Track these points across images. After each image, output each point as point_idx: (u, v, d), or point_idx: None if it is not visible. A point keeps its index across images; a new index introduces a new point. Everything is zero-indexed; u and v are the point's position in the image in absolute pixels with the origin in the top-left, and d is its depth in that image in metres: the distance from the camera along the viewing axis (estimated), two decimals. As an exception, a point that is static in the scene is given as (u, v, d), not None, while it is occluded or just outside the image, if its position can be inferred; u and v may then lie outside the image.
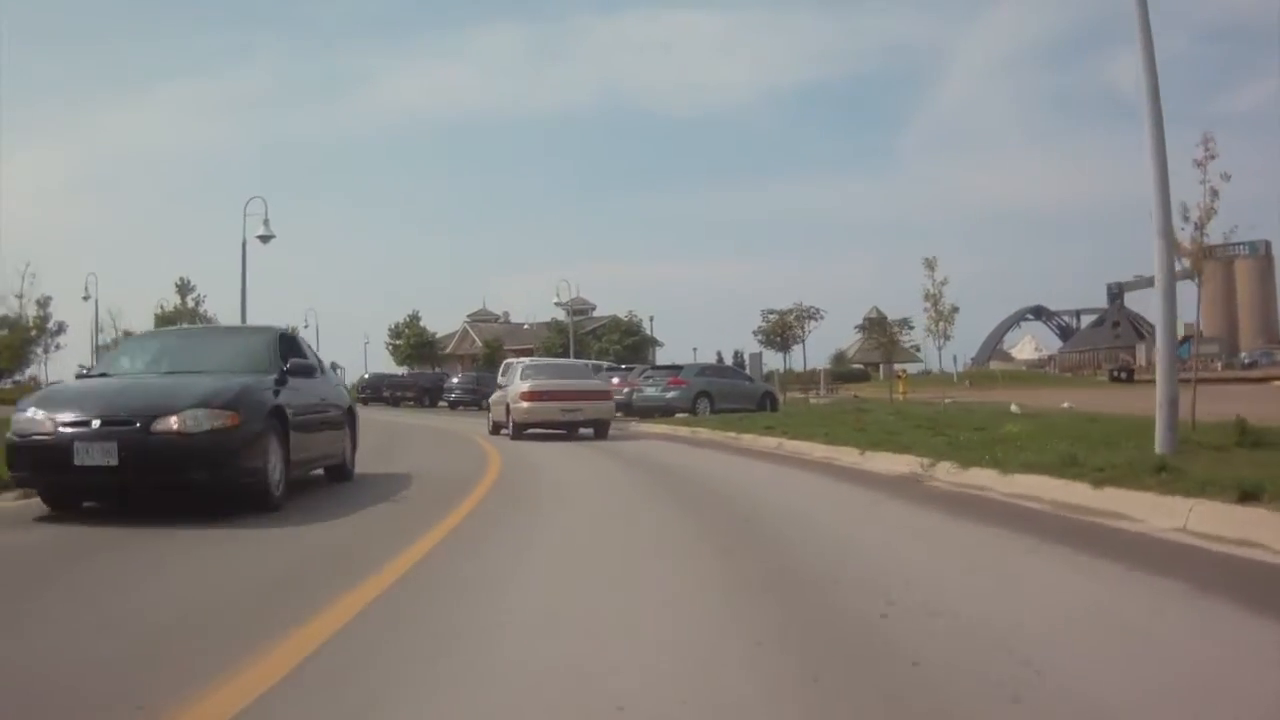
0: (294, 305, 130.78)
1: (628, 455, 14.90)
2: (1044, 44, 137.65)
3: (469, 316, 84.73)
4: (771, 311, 42.73)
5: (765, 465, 12.54)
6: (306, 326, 69.71)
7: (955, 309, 18.46)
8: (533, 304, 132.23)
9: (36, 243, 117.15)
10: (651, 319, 54.91)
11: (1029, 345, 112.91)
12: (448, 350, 75.80)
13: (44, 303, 56.68)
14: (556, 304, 45.67)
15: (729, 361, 49.07)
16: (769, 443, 15.27)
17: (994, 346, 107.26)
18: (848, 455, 12.21)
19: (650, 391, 28.50)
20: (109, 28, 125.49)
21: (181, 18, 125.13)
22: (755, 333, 43.40)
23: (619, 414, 30.34)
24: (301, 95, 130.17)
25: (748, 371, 36.86)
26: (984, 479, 8.92)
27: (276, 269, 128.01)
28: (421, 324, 67.57)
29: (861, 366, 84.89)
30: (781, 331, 42.79)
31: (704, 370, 30.12)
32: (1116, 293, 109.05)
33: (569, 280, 57.30)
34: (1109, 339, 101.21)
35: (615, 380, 31.60)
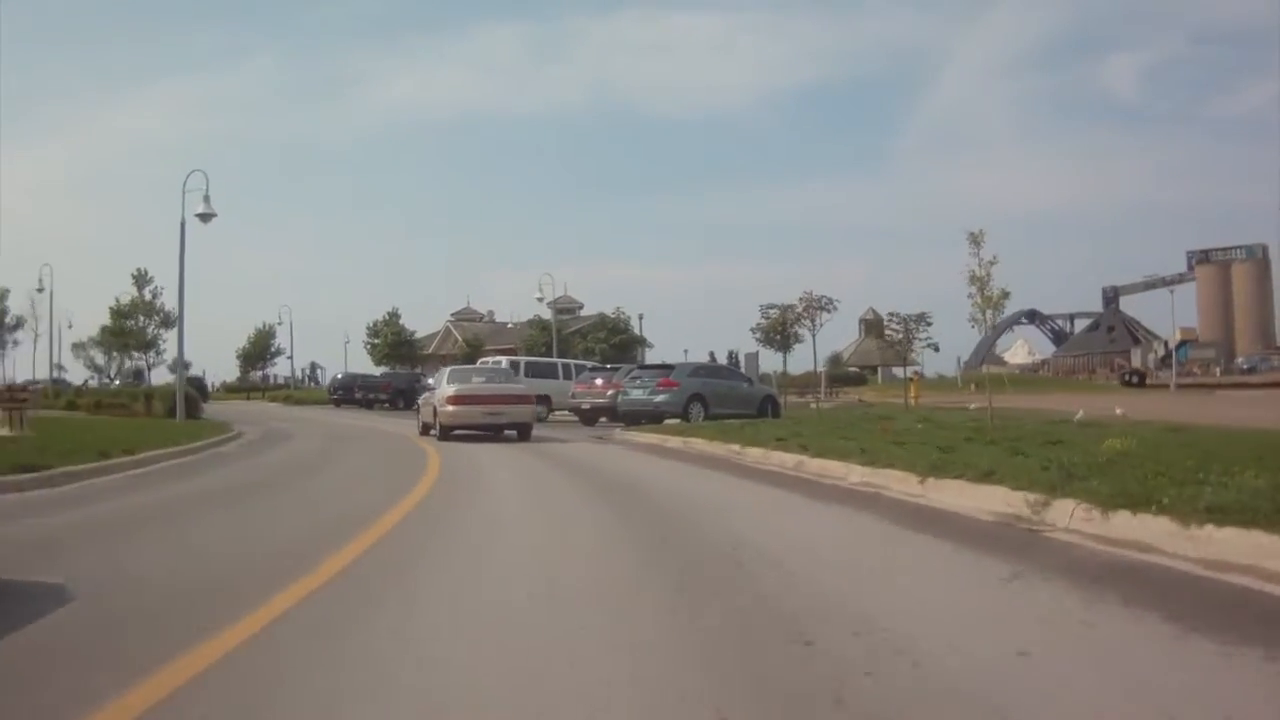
0: (280, 303, 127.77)
1: (603, 474, 11.64)
2: (1040, 46, 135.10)
3: (453, 315, 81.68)
4: (771, 306, 39.48)
5: (788, 496, 9.26)
6: (280, 324, 66.77)
7: (1006, 294, 15.13)
8: (521, 304, 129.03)
9: (30, 240, 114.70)
10: (641, 317, 51.65)
11: (1022, 349, 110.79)
12: (429, 350, 72.62)
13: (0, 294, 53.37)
14: (539, 299, 42.43)
15: (722, 362, 45.68)
16: (784, 460, 11.99)
17: (987, 350, 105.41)
18: (900, 482, 8.91)
19: (637, 394, 25.18)
20: (106, 26, 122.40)
21: (177, 16, 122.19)
22: (753, 330, 40.16)
23: (603, 419, 27.47)
24: (296, 94, 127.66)
25: (743, 372, 33.54)
26: (1148, 532, 5.67)
27: (264, 267, 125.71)
28: (401, 322, 64.08)
29: (858, 369, 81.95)
30: (782, 329, 39.54)
31: (698, 370, 26.73)
32: (1112, 296, 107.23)
33: (555, 277, 54.13)
34: (1104, 343, 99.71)
35: (599, 381, 28.40)
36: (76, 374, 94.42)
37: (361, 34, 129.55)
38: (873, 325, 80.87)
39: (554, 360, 35.45)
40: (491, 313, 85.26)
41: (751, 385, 27.94)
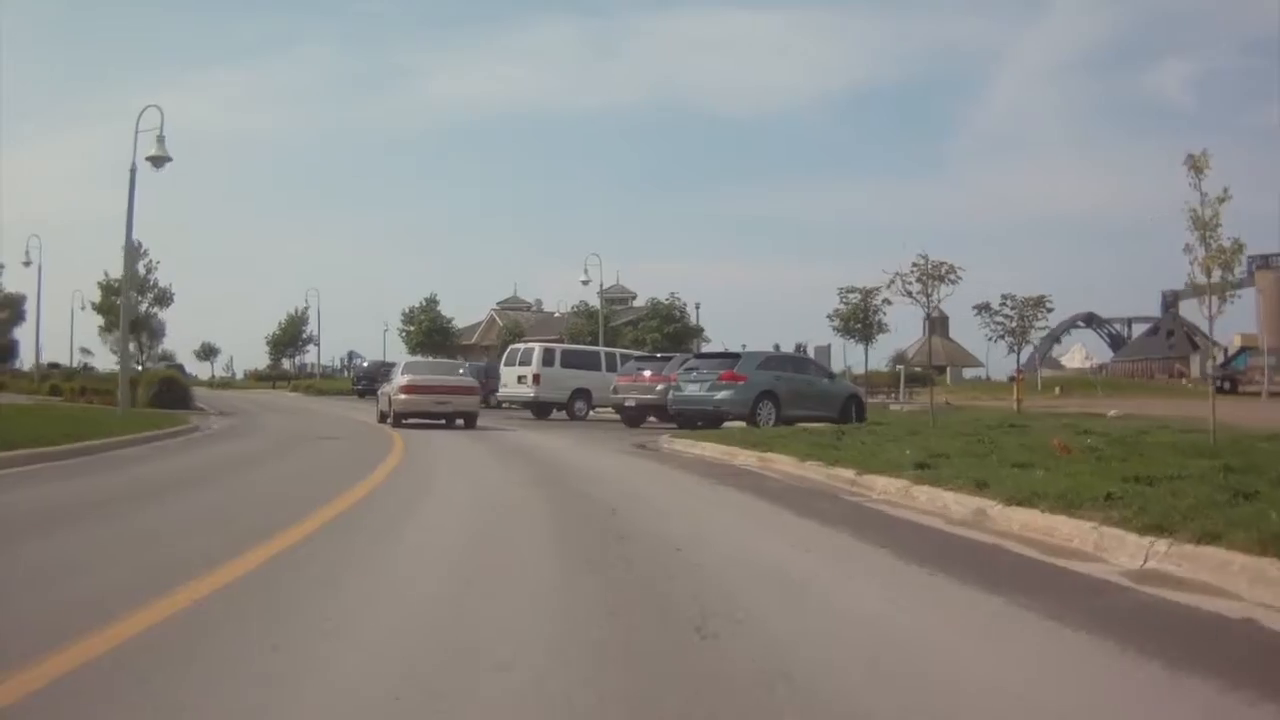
0: (326, 293, 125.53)
1: (628, 535, 6.95)
2: (1094, 49, 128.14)
3: (498, 304, 77.49)
4: (851, 290, 34.18)
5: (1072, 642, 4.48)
6: (308, 307, 63.12)
7: (1240, 246, 9.98)
8: (571, 295, 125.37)
9: (67, 225, 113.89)
10: (697, 306, 46.64)
11: (1079, 354, 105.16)
12: (473, 340, 68.55)
13: None
14: (584, 282, 37.78)
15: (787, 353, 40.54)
16: (945, 504, 7.19)
17: (1044, 354, 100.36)
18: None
19: (693, 389, 20.46)
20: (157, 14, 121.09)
21: (233, 6, 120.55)
22: (830, 317, 34.88)
23: (651, 418, 22.92)
24: (354, 88, 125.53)
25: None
26: None
27: (313, 256, 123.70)
28: (438, 309, 59.73)
29: (921, 369, 76.32)
30: (864, 315, 34.41)
31: (769, 361, 21.70)
32: (1171, 301, 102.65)
33: (608, 270, 49.68)
34: (1162, 349, 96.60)
35: (646, 373, 23.75)
36: (104, 359, 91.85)
37: (419, 26, 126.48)
38: (938, 323, 75.35)
39: (595, 349, 30.82)
40: (538, 302, 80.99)
41: (832, 381, 23.03)
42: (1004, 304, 23.04)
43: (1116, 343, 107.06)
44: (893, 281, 15.84)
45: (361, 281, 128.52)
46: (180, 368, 53.20)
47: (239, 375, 79.11)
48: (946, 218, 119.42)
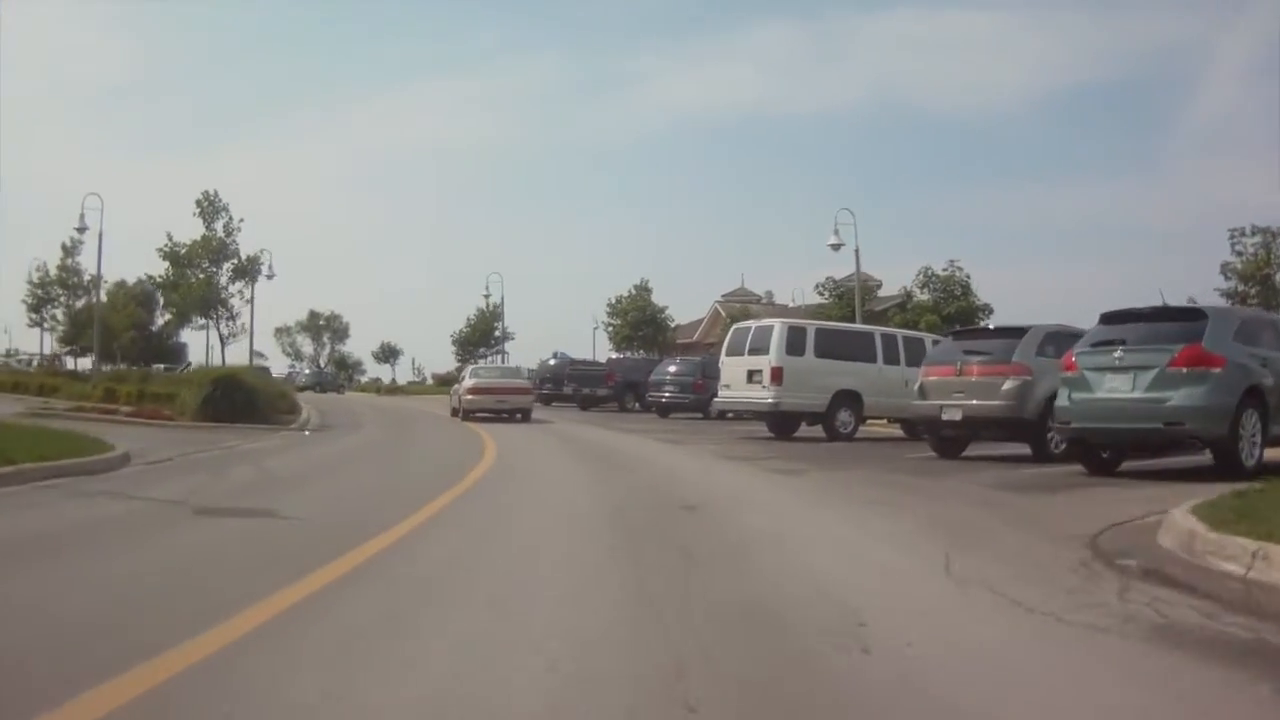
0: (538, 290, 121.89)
1: None
2: None
3: (722, 296, 67.64)
4: (1245, 232, 22.01)
5: None
6: (488, 296, 56.18)
7: None
8: (807, 286, 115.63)
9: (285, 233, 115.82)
10: (969, 278, 34.44)
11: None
12: (693, 338, 59.56)
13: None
14: (833, 245, 27.41)
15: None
16: None
17: None
18: None
19: (1115, 386, 9.78)
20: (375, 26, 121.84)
21: (456, 14, 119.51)
22: (1224, 267, 22.72)
23: (989, 438, 12.51)
24: (578, 93, 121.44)
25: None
26: None
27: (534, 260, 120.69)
28: (650, 296, 50.65)
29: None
30: (1264, 272, 22.20)
31: (1244, 327, 10.76)
32: None
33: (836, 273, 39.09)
34: None
35: (975, 364, 13.39)
36: (278, 362, 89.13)
37: (641, 32, 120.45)
38: None
39: (867, 328, 20.26)
40: (769, 294, 70.48)
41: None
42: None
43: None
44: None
45: (571, 280, 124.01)
46: (265, 369, 44.37)
47: (428, 379, 73.48)
48: (1170, 218, 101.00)
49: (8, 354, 60.10)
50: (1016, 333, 13.12)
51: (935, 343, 19.48)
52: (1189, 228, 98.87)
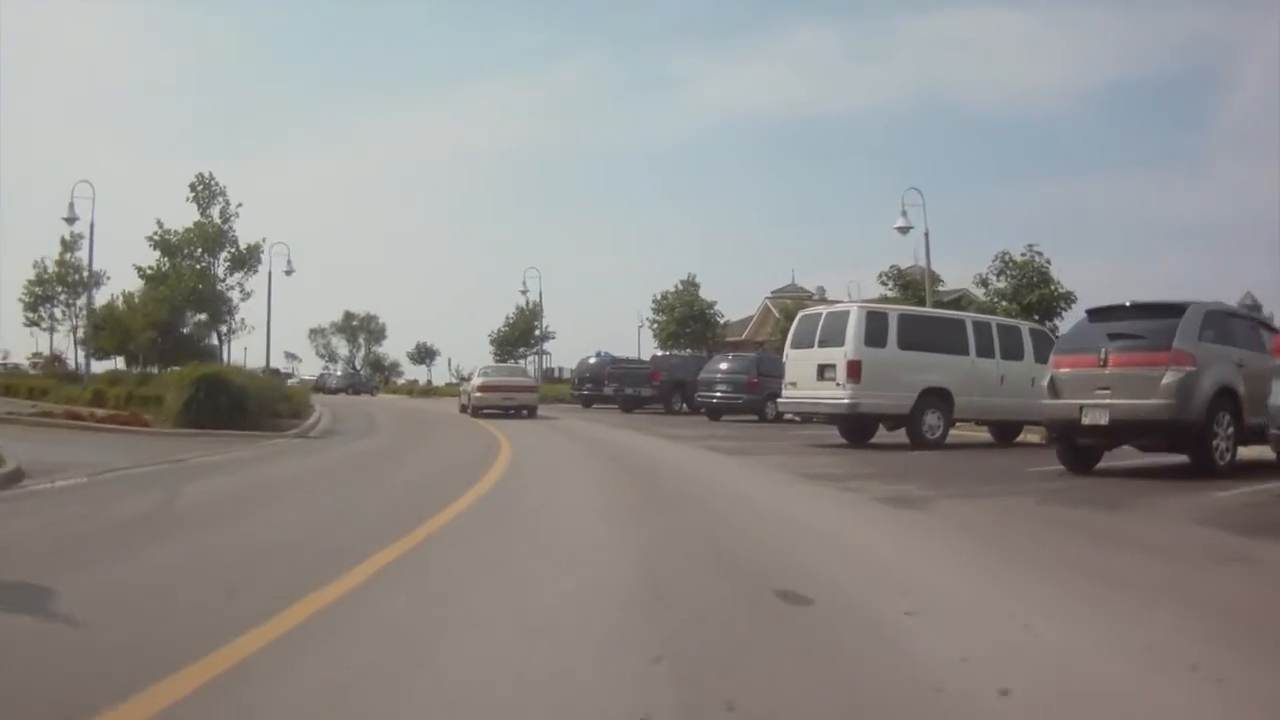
0: (584, 288, 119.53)
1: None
2: None
3: (772, 293, 64.57)
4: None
5: None
6: (526, 291, 53.72)
7: None
8: (869, 277, 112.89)
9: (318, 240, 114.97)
10: (1049, 263, 30.72)
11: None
12: (743, 336, 56.71)
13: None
14: (902, 229, 24.37)
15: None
16: None
17: None
18: None
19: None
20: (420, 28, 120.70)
21: (496, 17, 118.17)
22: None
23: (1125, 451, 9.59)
24: (617, 96, 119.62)
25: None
26: None
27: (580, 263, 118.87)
28: (698, 292, 47.72)
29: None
30: None
31: None
32: None
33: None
34: None
35: (1136, 351, 10.49)
36: (312, 364, 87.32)
37: (684, 35, 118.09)
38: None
39: (957, 315, 16.71)
40: (821, 290, 67.32)
41: None
42: None
43: None
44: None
45: (616, 281, 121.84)
46: (276, 370, 41.41)
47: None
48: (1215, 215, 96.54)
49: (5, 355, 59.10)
50: (1171, 311, 10.13)
51: (1033, 332, 16.64)
52: (1239, 222, 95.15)
